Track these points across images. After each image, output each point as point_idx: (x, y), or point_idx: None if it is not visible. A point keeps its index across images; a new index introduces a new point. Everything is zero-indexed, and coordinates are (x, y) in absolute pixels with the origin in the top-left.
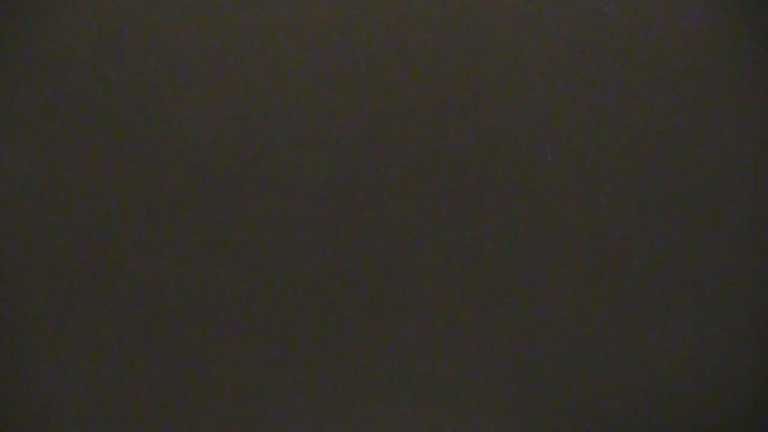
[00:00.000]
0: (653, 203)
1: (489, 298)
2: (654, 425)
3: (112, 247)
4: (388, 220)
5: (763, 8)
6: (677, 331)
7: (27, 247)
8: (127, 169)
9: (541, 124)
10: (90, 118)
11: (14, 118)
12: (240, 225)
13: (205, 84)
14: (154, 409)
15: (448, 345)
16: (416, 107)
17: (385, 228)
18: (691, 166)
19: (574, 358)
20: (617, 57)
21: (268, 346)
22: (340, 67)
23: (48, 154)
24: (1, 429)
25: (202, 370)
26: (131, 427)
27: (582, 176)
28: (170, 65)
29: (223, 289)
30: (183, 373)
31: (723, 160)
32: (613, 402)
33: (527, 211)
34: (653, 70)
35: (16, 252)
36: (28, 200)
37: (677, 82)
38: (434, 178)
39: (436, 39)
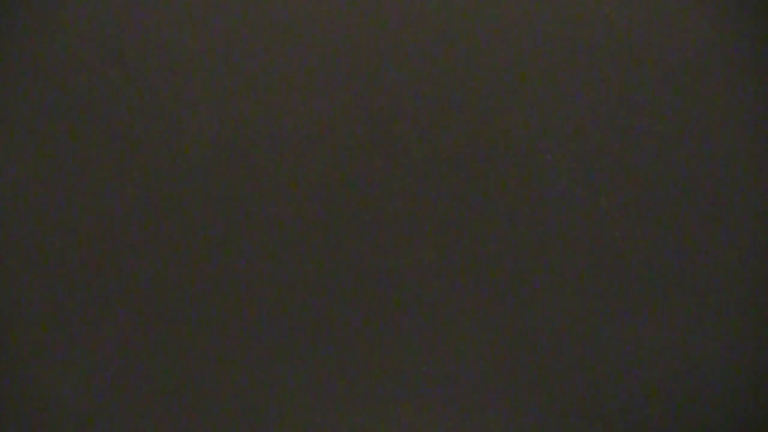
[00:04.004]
0: (653, 203)
1: (489, 297)
2: (654, 425)
3: (112, 247)
4: (387, 220)
5: (763, 8)
6: (677, 331)
7: (27, 247)
8: (127, 169)
9: (541, 124)
10: (91, 119)
11: (14, 118)
12: (240, 225)
13: (206, 84)
14: (154, 409)
15: (448, 345)
16: (416, 107)
17: (385, 228)
18: (691, 165)
19: (574, 357)
20: (617, 57)
21: (268, 346)
22: (340, 67)
23: (48, 154)
24: (1, 429)
25: (202, 370)
26: (131, 427)
27: (582, 176)
28: (171, 66)
29: (223, 289)
30: (183, 373)
31: (723, 160)
32: (613, 402)
33: (527, 211)
34: (653, 70)
35: (16, 252)
36: (28, 200)
37: (677, 82)
38: (434, 178)
39: (436, 39)
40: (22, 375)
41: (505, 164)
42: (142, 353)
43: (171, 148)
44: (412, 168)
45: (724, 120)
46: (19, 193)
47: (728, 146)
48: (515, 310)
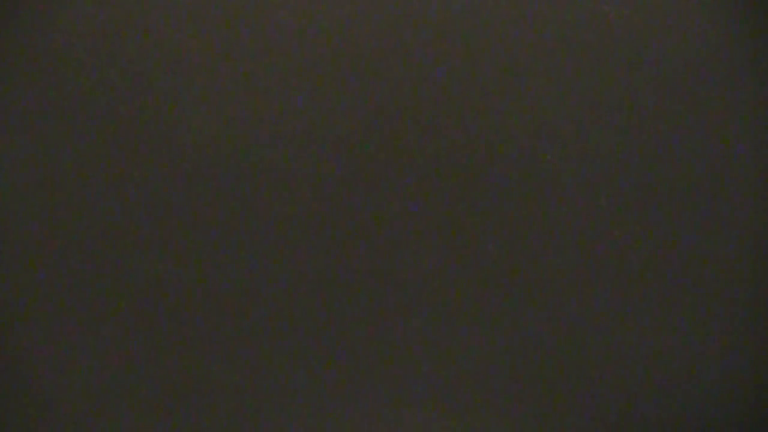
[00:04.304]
0: (653, 203)
1: (489, 297)
2: (654, 425)
3: (112, 247)
4: (388, 220)
5: (763, 8)
6: (677, 331)
7: (27, 247)
8: (127, 168)
9: (541, 124)
10: (90, 118)
11: (14, 118)
12: (240, 225)
13: (205, 84)
14: (154, 409)
15: (448, 345)
16: (416, 107)
17: (385, 228)
18: (691, 166)
19: (574, 357)
20: (617, 57)
21: (268, 346)
22: (340, 67)
23: (48, 153)
24: (1, 429)
25: (202, 370)
26: (131, 427)
27: (582, 176)
28: (170, 65)
29: (223, 289)
30: (183, 373)
31: (723, 160)
32: (613, 402)
33: (527, 211)
34: (653, 70)
35: (16, 252)
36: (28, 200)
37: (677, 82)
38: (434, 178)
39: (436, 39)
40: (22, 375)
41: (506, 164)
42: (142, 353)
43: (170, 147)
44: (412, 168)
45: (724, 120)
46: (19, 193)
47: (728, 146)
48: (515, 310)
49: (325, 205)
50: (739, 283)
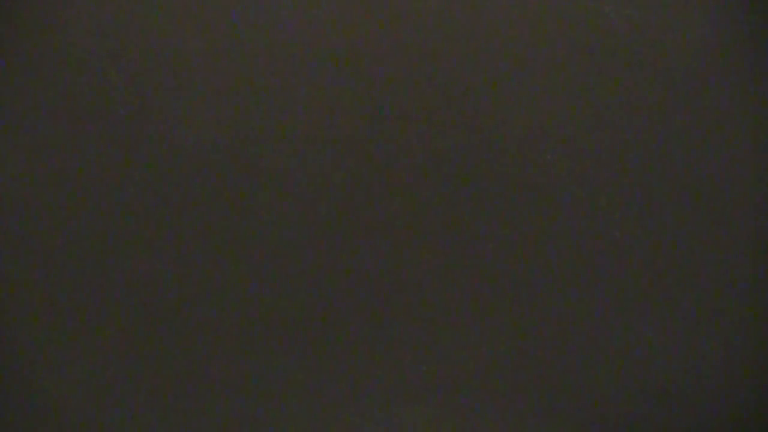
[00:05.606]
0: (653, 203)
1: (489, 298)
2: (654, 425)
3: (112, 247)
4: (387, 220)
5: (763, 8)
6: (677, 331)
7: (27, 247)
8: (126, 169)
9: (541, 124)
10: (90, 119)
11: (14, 118)
12: (240, 225)
13: (205, 84)
14: (154, 409)
15: (448, 345)
16: (416, 107)
17: (385, 228)
18: (691, 166)
19: (574, 357)
20: (617, 57)
21: (268, 346)
22: (340, 67)
23: (48, 154)
24: (1, 429)
25: (202, 369)
26: (131, 427)
27: (582, 176)
28: (170, 65)
29: (223, 289)
30: (183, 373)
31: (723, 160)
32: (613, 402)
33: (527, 211)
34: (653, 70)
35: (16, 252)
36: (28, 200)
37: (677, 82)
38: (434, 178)
39: (436, 39)
40: (22, 375)
41: (506, 164)
42: (142, 353)
43: (170, 147)
44: (412, 168)
45: (724, 120)
46: (19, 193)
47: (728, 146)
48: (515, 310)
49: (325, 204)
50: (740, 284)
